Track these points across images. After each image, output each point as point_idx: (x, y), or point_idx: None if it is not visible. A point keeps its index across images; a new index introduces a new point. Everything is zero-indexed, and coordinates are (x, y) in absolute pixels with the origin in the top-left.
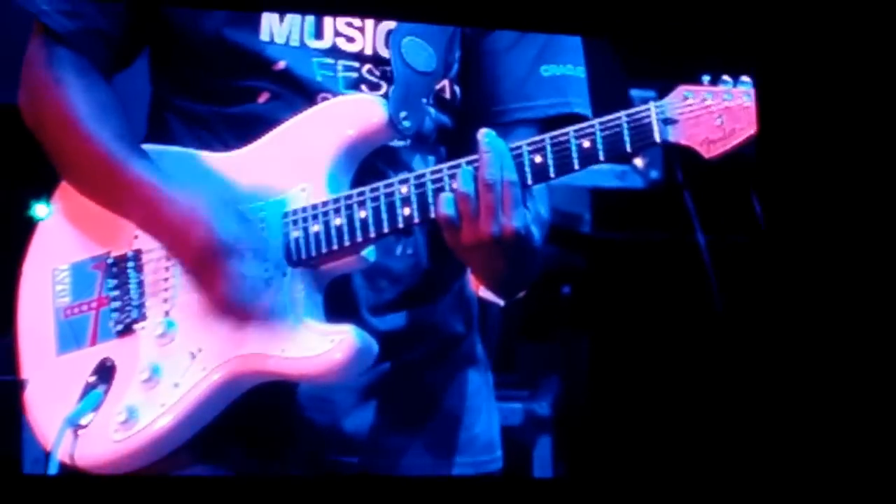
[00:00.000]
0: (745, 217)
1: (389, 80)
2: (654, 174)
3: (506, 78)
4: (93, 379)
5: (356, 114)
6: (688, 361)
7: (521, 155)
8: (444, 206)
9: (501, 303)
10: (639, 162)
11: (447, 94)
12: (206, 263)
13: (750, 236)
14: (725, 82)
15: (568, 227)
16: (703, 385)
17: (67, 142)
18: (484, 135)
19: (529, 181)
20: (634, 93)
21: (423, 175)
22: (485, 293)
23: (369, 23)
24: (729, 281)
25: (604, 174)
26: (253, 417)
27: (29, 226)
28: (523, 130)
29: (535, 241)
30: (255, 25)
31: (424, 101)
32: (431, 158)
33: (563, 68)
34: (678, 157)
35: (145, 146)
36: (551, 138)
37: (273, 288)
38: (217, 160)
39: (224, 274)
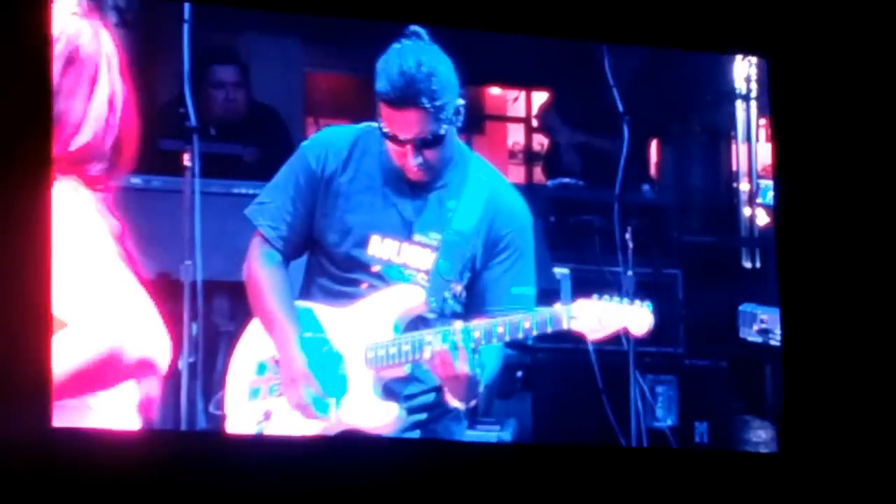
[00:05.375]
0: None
1: (429, 281)
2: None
3: (492, 292)
4: (262, 416)
5: (410, 297)
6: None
7: (490, 327)
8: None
9: (462, 407)
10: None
11: (458, 293)
12: (293, 380)
13: None
14: (606, 298)
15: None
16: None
17: (257, 301)
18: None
19: (495, 341)
20: (555, 269)
21: (438, 332)
22: (455, 404)
23: (426, 251)
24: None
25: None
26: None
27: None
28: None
29: (476, 376)
30: (366, 244)
31: (446, 294)
32: (443, 326)
33: (524, 288)
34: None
35: (299, 303)
36: (509, 319)
37: (357, 384)
38: (335, 313)
39: (293, 390)
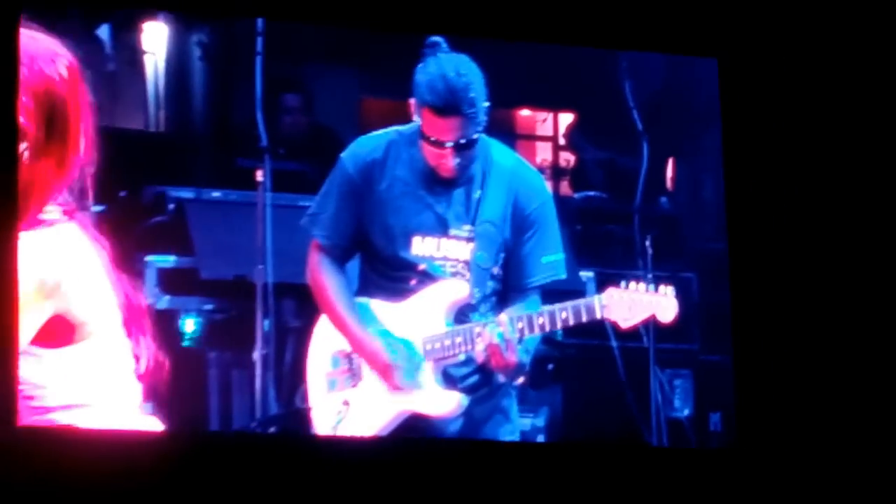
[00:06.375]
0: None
1: (470, 272)
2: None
3: (526, 267)
4: (342, 406)
5: (456, 291)
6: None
7: (531, 318)
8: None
9: (516, 383)
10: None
11: (496, 273)
12: (383, 373)
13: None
14: (633, 286)
15: (550, 335)
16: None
17: (323, 303)
18: (495, 332)
19: (537, 331)
20: (581, 273)
21: (487, 324)
22: (504, 379)
23: (462, 243)
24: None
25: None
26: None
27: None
28: (533, 295)
29: (524, 361)
30: (409, 246)
31: (486, 280)
32: (487, 305)
33: (553, 256)
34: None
35: (357, 298)
36: (548, 310)
37: (418, 373)
38: (390, 307)
39: (389, 377)
